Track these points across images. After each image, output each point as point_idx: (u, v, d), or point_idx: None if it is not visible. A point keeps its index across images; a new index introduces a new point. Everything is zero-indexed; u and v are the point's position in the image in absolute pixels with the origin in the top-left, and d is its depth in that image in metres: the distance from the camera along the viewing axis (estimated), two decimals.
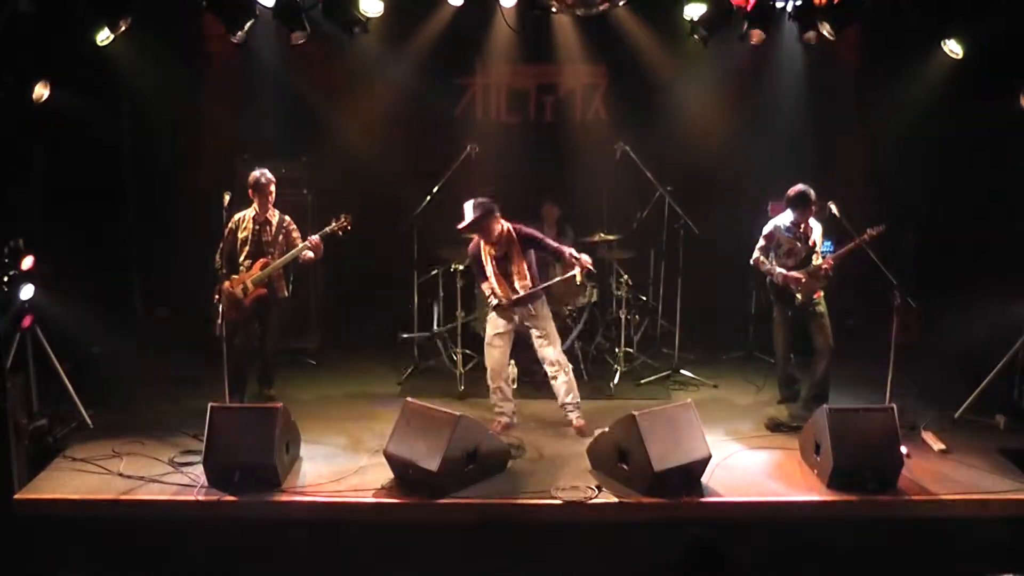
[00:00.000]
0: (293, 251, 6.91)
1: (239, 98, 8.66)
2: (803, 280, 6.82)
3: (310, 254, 6.94)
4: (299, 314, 8.43)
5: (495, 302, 6.67)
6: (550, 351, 6.75)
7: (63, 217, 7.79)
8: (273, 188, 6.94)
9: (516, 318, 6.75)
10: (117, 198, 8.67)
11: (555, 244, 6.74)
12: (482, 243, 6.66)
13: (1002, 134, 7.58)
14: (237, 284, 6.87)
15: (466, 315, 7.84)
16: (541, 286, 6.68)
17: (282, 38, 7.52)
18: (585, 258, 6.44)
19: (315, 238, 6.90)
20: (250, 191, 6.92)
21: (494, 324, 6.77)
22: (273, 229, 6.98)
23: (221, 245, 6.87)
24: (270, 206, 6.98)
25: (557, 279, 6.82)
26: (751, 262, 7.07)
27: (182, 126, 8.50)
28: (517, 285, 6.58)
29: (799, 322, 7.02)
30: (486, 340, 6.83)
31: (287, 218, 7.06)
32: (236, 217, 6.87)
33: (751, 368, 8.20)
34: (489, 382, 6.83)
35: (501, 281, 6.62)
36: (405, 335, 8.15)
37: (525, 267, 6.61)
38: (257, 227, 6.95)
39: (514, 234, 6.60)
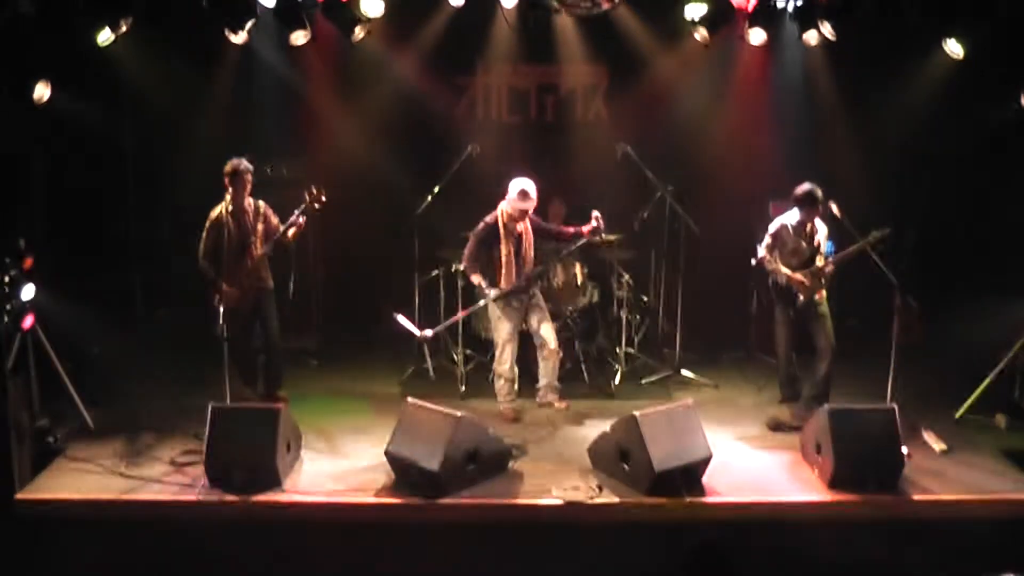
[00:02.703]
0: (286, 226, 6.91)
1: (239, 98, 8.67)
2: (807, 283, 6.82)
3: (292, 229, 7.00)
4: (299, 314, 8.43)
5: (494, 293, 6.76)
6: (548, 328, 7.01)
7: (64, 217, 7.79)
8: (250, 177, 6.88)
9: (524, 303, 6.93)
10: (118, 198, 8.66)
11: (558, 228, 7.03)
12: (503, 221, 6.80)
13: (1003, 133, 7.58)
14: (249, 272, 6.87)
15: (470, 316, 7.81)
16: (569, 247, 7.00)
17: (283, 38, 7.53)
18: (595, 212, 6.74)
19: (301, 221, 6.92)
20: (226, 180, 6.83)
21: (507, 322, 6.91)
22: (251, 218, 6.95)
23: (202, 245, 6.86)
24: (246, 195, 6.92)
25: (582, 241, 6.90)
26: (757, 259, 7.07)
27: (182, 126, 8.49)
28: (526, 268, 6.87)
29: (801, 322, 7.01)
30: (503, 340, 6.93)
31: (262, 203, 7.02)
32: (213, 215, 6.81)
33: (752, 368, 8.21)
34: (504, 376, 6.98)
35: (512, 262, 6.79)
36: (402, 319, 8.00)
37: (531, 248, 6.89)
38: (235, 220, 6.91)
39: (530, 220, 6.90)
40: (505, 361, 6.95)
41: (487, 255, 6.89)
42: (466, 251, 6.97)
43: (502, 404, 7.03)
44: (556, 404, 7.02)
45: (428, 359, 7.59)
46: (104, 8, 6.75)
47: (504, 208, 6.84)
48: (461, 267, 7.65)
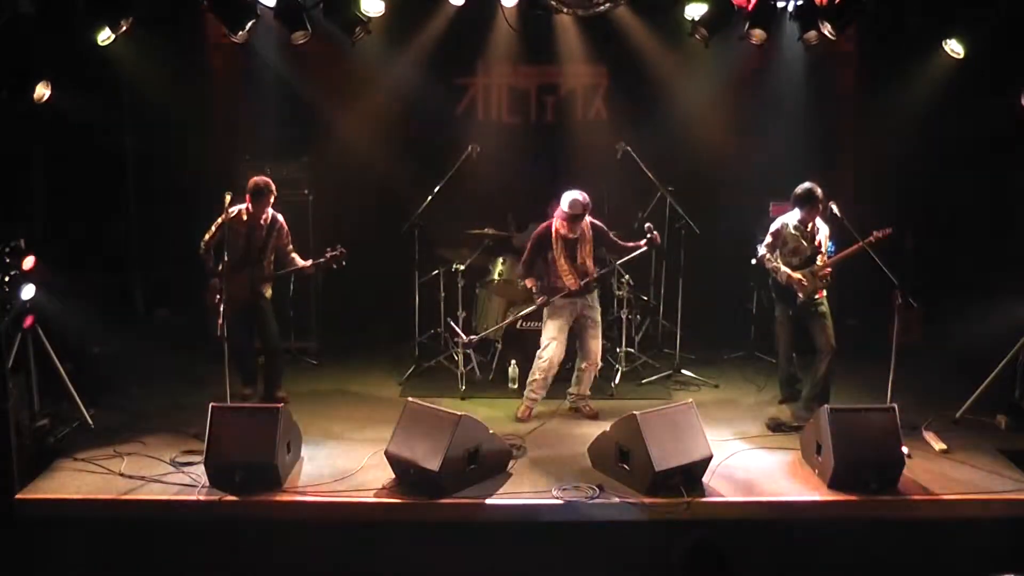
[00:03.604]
0: (292, 269, 7.03)
1: (240, 98, 8.66)
2: (807, 283, 6.82)
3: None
4: (299, 314, 8.43)
5: (542, 300, 6.83)
6: (597, 344, 7.00)
7: (64, 217, 7.79)
8: (273, 198, 6.88)
9: (578, 307, 6.91)
10: (118, 198, 8.67)
11: (613, 239, 6.97)
12: (556, 228, 6.80)
13: (1003, 133, 7.58)
14: (245, 284, 6.84)
15: (470, 316, 7.82)
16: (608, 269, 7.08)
17: (283, 38, 7.52)
18: (649, 224, 6.84)
19: (309, 268, 7.00)
20: (247, 196, 6.82)
21: (554, 321, 6.91)
22: (264, 232, 6.93)
23: (208, 236, 6.84)
24: (266, 212, 6.91)
25: (641, 251, 6.89)
26: (757, 258, 7.08)
27: (183, 126, 8.50)
28: (582, 269, 6.83)
29: (801, 322, 7.01)
30: (549, 336, 6.92)
31: (279, 218, 7.00)
32: (228, 216, 6.70)
33: (752, 368, 8.21)
34: (540, 374, 6.93)
35: (556, 266, 6.79)
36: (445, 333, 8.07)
37: (589, 255, 6.84)
38: (248, 229, 6.89)
39: (589, 226, 6.82)
40: (545, 358, 6.94)
41: (543, 259, 6.89)
42: (523, 257, 7.02)
43: (526, 398, 7.01)
44: (585, 410, 7.07)
45: (476, 364, 7.67)
46: (104, 8, 6.74)
47: (556, 220, 6.83)
48: (463, 267, 7.69)
